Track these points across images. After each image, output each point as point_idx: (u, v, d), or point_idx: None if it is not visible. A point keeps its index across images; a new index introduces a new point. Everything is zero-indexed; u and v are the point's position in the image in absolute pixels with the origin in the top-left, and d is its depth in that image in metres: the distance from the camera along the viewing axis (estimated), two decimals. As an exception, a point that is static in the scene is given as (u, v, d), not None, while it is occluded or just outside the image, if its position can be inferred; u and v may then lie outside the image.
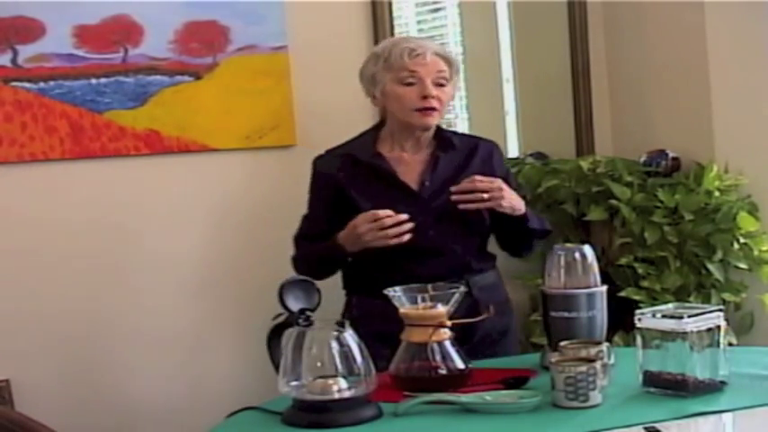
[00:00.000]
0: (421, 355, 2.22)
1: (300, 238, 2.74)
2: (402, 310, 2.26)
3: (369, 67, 2.69)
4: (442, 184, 2.63)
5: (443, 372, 2.21)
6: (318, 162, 2.74)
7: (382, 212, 2.50)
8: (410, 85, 2.61)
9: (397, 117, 2.67)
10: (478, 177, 2.56)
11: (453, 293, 2.25)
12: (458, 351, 2.24)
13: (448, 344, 2.23)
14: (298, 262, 2.73)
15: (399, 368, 2.24)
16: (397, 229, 2.49)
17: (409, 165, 2.68)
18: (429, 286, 2.27)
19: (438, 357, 2.21)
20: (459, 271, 2.62)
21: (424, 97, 2.60)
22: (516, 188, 2.72)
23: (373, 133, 2.73)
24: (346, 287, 2.74)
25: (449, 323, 2.24)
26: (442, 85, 2.63)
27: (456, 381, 2.20)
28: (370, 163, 2.66)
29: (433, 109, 2.62)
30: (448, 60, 2.65)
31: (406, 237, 2.50)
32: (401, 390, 2.18)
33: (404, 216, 2.49)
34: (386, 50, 2.66)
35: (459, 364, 2.23)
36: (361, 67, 2.73)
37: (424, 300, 2.26)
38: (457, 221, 2.61)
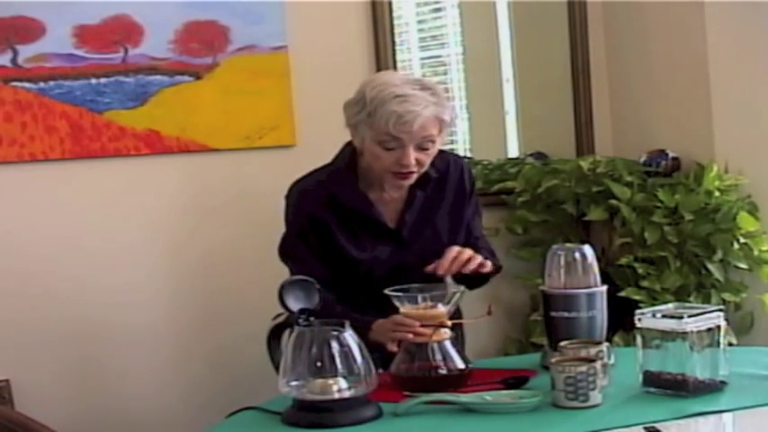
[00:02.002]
0: (421, 354, 2.22)
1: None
2: (402, 311, 2.26)
3: (353, 111, 2.46)
4: (421, 221, 2.53)
5: (443, 372, 2.21)
6: (302, 201, 2.55)
7: (402, 320, 2.28)
8: (390, 149, 2.41)
9: (373, 170, 2.51)
10: (449, 259, 2.39)
11: (454, 294, 2.25)
12: (458, 351, 2.24)
13: (448, 344, 2.24)
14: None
15: (400, 368, 2.24)
16: (410, 337, 2.27)
17: (388, 204, 2.55)
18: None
19: (438, 357, 2.22)
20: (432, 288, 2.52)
21: (403, 165, 2.42)
22: (476, 204, 2.66)
23: (350, 163, 2.54)
24: None
25: (449, 323, 2.25)
26: (426, 149, 2.43)
27: (456, 381, 2.20)
28: (357, 208, 2.51)
29: (411, 173, 2.45)
30: (441, 120, 2.42)
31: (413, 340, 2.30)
32: (401, 390, 2.19)
33: (420, 330, 2.24)
34: (373, 103, 2.40)
35: (460, 364, 2.23)
36: (347, 101, 2.49)
37: (424, 300, 2.26)
38: (437, 257, 2.44)
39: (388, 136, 2.40)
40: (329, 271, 2.48)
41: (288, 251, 2.57)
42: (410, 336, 2.24)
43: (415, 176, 2.49)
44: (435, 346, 2.22)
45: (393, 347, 2.28)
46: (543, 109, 3.82)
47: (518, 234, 3.42)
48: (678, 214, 3.21)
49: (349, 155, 2.55)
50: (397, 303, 2.28)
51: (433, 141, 2.45)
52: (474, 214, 2.65)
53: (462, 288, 2.30)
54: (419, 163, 2.45)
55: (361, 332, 2.19)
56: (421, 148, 2.43)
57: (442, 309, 2.25)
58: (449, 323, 2.25)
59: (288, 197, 2.59)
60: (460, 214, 2.60)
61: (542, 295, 2.30)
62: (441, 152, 2.56)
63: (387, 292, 2.27)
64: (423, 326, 2.23)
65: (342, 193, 2.52)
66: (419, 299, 2.27)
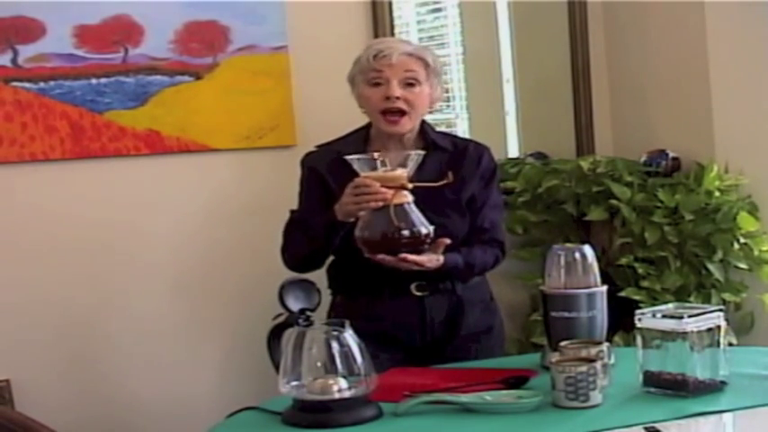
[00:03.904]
0: (384, 217, 2.28)
1: (291, 225, 2.68)
2: (363, 175, 2.32)
3: (352, 69, 2.68)
4: (428, 188, 2.52)
5: (407, 233, 2.26)
6: (308, 158, 2.73)
7: (363, 181, 2.37)
8: (377, 85, 2.59)
9: (372, 121, 2.66)
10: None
11: (408, 155, 2.33)
12: (421, 213, 2.30)
13: (410, 207, 2.29)
14: (289, 243, 2.66)
15: (364, 232, 2.30)
16: (372, 197, 2.35)
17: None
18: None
19: (401, 220, 2.27)
20: (443, 270, 2.58)
21: (388, 98, 2.57)
22: (495, 194, 2.71)
23: (365, 132, 2.69)
24: (331, 286, 2.70)
25: (410, 185, 2.29)
26: (411, 85, 2.59)
27: (419, 243, 2.27)
28: None
29: (400, 112, 2.58)
30: (422, 60, 2.61)
31: (375, 205, 2.35)
32: (367, 252, 2.28)
33: (381, 189, 2.34)
34: (362, 53, 2.65)
35: (423, 229, 2.29)
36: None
37: (383, 165, 2.33)
38: (441, 225, 2.50)
39: (374, 72, 2.59)
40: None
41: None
42: (371, 198, 2.32)
43: (406, 122, 2.60)
44: (398, 208, 2.26)
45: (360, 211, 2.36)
46: (543, 109, 3.82)
47: (518, 234, 3.42)
48: (678, 214, 3.21)
49: (365, 126, 2.69)
50: (357, 169, 2.33)
51: (419, 82, 2.60)
52: (490, 202, 2.68)
53: (421, 152, 2.38)
54: (407, 102, 2.58)
55: (331, 220, 2.45)
56: (406, 86, 2.58)
57: (401, 171, 2.29)
58: (409, 185, 2.29)
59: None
60: (470, 195, 2.63)
61: (542, 295, 2.30)
62: (463, 137, 2.80)
63: (346, 157, 2.36)
64: (384, 188, 2.29)
65: (347, 152, 2.59)
66: (378, 164, 2.32)
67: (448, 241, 2.49)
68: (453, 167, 2.60)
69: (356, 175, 2.53)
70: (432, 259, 2.47)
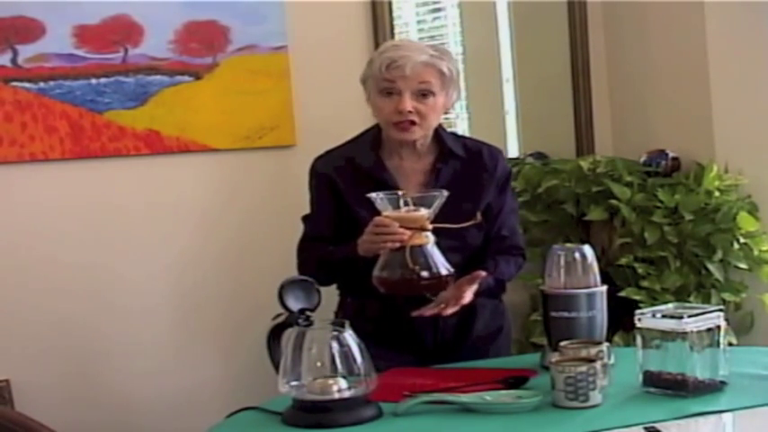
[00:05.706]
0: (402, 258, 2.24)
1: (307, 241, 2.65)
2: (384, 214, 2.29)
3: (364, 71, 2.60)
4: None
5: (426, 275, 2.23)
6: (318, 163, 2.66)
7: (381, 220, 2.33)
8: (390, 95, 2.51)
9: (382, 128, 2.61)
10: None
11: (435, 197, 2.28)
12: (441, 255, 2.27)
13: (431, 248, 2.26)
14: (307, 265, 2.62)
15: (383, 272, 2.27)
16: (389, 237, 2.31)
17: (409, 176, 2.58)
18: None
19: (420, 261, 2.23)
20: (456, 278, 2.56)
21: (400, 111, 2.51)
22: (511, 198, 2.70)
23: (375, 135, 2.63)
24: (341, 287, 2.68)
25: (430, 226, 2.26)
26: (425, 95, 2.51)
27: (437, 285, 2.24)
28: (371, 171, 2.57)
29: (412, 123, 2.52)
30: (438, 70, 2.51)
31: (392, 246, 2.32)
32: (385, 292, 2.24)
33: (399, 230, 2.29)
34: (375, 56, 2.57)
35: (442, 270, 2.25)
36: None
37: (406, 204, 2.28)
38: (455, 237, 2.49)
39: (386, 81, 2.51)
40: (335, 232, 2.55)
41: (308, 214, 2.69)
42: (388, 239, 2.28)
43: (416, 130, 2.53)
44: (417, 250, 2.23)
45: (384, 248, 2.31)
46: (543, 109, 3.82)
47: (518, 234, 3.42)
48: (678, 214, 3.21)
49: (375, 128, 2.63)
50: (379, 207, 2.29)
51: (433, 93, 2.52)
52: (506, 209, 2.66)
53: (445, 192, 2.31)
54: (419, 114, 2.51)
55: (352, 255, 2.38)
56: (420, 97, 2.51)
57: (423, 212, 2.26)
58: (429, 227, 2.26)
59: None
60: (486, 204, 2.60)
61: (542, 295, 2.30)
62: (475, 139, 2.72)
63: (369, 195, 2.30)
64: (402, 228, 2.25)
65: (359, 156, 2.59)
66: (401, 203, 2.28)
67: (484, 274, 2.46)
68: (469, 176, 2.59)
69: (368, 180, 2.53)
70: (469, 296, 2.45)
